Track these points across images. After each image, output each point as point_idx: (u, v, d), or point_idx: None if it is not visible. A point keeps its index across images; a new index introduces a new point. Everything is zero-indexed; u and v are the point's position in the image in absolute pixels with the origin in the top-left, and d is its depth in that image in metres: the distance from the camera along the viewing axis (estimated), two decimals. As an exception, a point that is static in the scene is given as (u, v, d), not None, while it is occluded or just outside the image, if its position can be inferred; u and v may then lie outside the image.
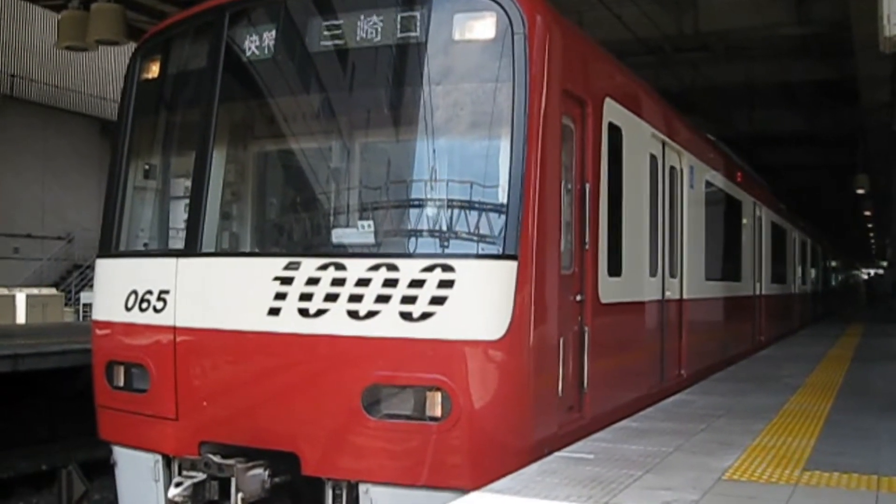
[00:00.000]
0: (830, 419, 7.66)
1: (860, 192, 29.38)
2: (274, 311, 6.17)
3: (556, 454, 6.08)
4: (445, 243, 6.17)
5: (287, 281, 6.19)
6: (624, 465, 5.66)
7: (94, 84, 31.72)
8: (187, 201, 6.92)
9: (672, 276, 9.89)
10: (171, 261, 6.71)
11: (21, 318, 22.73)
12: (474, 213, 6.17)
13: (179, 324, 6.54)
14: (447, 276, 5.84)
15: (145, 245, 7.43)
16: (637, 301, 8.52)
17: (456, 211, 6.19)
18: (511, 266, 5.89)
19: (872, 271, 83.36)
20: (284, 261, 6.28)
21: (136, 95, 7.44)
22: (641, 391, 8.57)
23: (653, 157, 9.13)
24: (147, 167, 7.49)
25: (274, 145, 7.37)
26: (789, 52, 21.71)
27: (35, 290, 24.63)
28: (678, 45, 19.85)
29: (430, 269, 5.88)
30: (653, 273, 9.09)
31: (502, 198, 6.03)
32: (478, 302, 5.86)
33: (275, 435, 6.18)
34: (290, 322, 6.12)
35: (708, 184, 11.85)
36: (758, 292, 16.45)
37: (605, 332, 7.36)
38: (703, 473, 5.46)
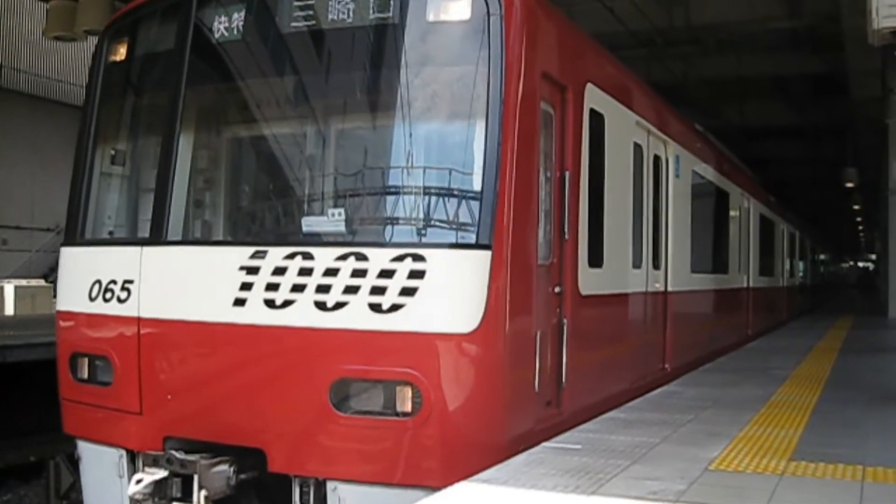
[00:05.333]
0: (817, 410, 7.61)
1: (849, 185, 29.49)
2: (239, 302, 5.93)
3: (544, 444, 5.96)
4: (417, 232, 5.93)
5: (253, 270, 5.95)
6: (611, 456, 5.60)
7: (83, 74, 31.52)
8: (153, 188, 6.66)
9: (656, 267, 9.63)
10: (136, 249, 6.45)
11: (10, 309, 22.62)
12: (447, 201, 5.92)
13: (143, 314, 6.29)
14: (418, 266, 5.60)
15: (110, 233, 7.16)
16: (619, 293, 8.26)
17: (429, 199, 5.94)
18: (485, 256, 5.65)
19: (862, 265, 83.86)
20: (250, 250, 6.04)
21: (103, 78, 7.15)
22: (623, 385, 8.32)
23: (637, 146, 8.86)
24: (114, 153, 7.19)
25: (242, 130, 7.08)
26: (780, 46, 21.76)
27: (24, 282, 24.51)
28: (669, 39, 19.85)
29: (400, 258, 5.64)
30: (636, 265, 8.83)
31: (476, 185, 5.78)
32: (450, 293, 5.62)
33: (241, 430, 5.94)
34: (255, 313, 5.88)
35: (694, 174, 11.58)
36: (746, 285, 16.17)
37: (584, 324, 7.12)
38: (690, 464, 5.41)
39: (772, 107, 26.76)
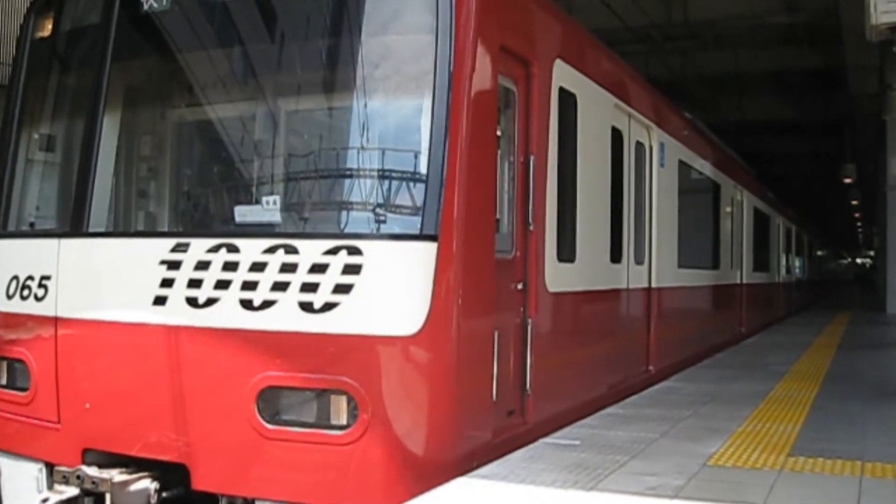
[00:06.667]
0: (816, 405, 7.53)
1: (847, 181, 29.50)
2: (160, 301, 5.24)
3: (542, 440, 5.81)
4: (353, 221, 5.24)
5: (174, 265, 5.25)
6: (609, 451, 5.51)
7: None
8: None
9: (638, 262, 8.85)
10: (54, 242, 5.75)
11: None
12: (390, 187, 5.21)
13: (61, 314, 5.59)
14: (353, 259, 4.89)
15: (32, 224, 6.45)
16: (594, 290, 7.45)
17: (368, 183, 5.24)
18: (430, 248, 4.92)
19: (860, 261, 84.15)
20: (171, 242, 5.34)
21: (29, 57, 6.42)
22: (599, 390, 7.53)
23: (616, 131, 8.03)
24: (38, 137, 6.50)
25: (173, 111, 6.29)
26: (778, 41, 21.76)
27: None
28: (667, 34, 19.92)
29: (333, 251, 4.93)
30: (615, 259, 8.03)
31: (422, 168, 5.05)
32: (389, 290, 4.89)
33: (163, 443, 5.24)
34: (177, 313, 5.18)
35: (682, 164, 10.72)
36: (739, 281, 15.39)
37: (552, 324, 6.42)
38: (689, 459, 5.35)
39: (770, 102, 26.61)
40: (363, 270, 4.89)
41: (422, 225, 4.98)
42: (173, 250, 5.31)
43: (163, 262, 5.31)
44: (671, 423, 6.59)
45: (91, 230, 5.68)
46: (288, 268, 5.00)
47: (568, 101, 6.72)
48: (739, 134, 24.14)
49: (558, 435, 6.06)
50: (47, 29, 6.39)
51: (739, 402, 7.71)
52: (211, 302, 5.13)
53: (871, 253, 65.33)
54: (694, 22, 19.41)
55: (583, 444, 5.77)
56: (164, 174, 6.32)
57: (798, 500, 4.60)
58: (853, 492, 4.73)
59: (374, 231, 5.10)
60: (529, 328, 6.01)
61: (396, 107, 5.44)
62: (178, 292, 5.23)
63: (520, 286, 6.00)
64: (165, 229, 6.08)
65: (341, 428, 4.89)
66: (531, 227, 6.04)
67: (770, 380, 9.24)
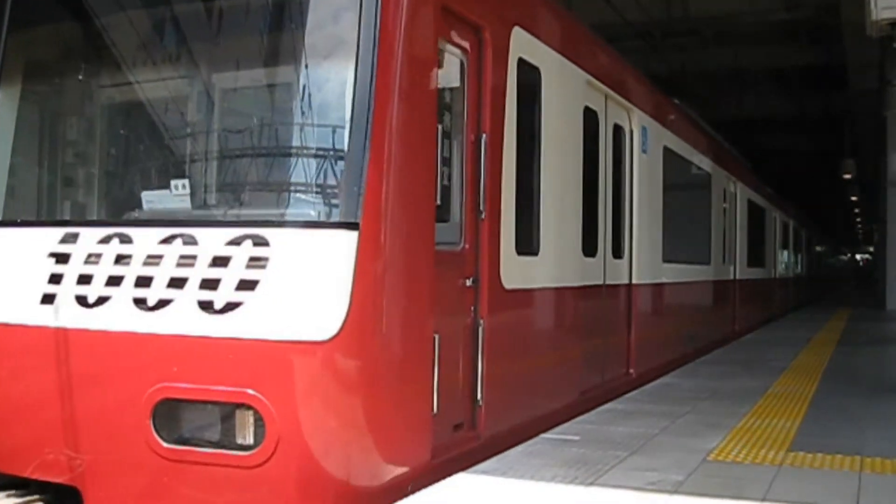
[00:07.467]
0: (815, 401, 7.43)
1: (847, 177, 29.47)
2: (48, 299, 4.56)
3: (542, 436, 5.64)
4: (260, 206, 4.52)
5: (63, 258, 4.59)
6: (609, 447, 5.42)
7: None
8: None
9: (617, 256, 8.05)
10: None
11: None
12: (305, 167, 4.50)
13: None
14: (259, 251, 4.19)
15: None
16: (561, 287, 6.67)
17: (281, 163, 4.59)
18: (349, 238, 4.18)
19: (859, 257, 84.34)
20: (60, 232, 4.67)
21: None
22: (569, 397, 6.76)
23: (589, 111, 7.21)
24: None
25: (74, 85, 5.56)
26: (778, 37, 21.58)
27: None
28: (667, 30, 19.83)
29: (237, 241, 4.24)
30: (589, 253, 7.22)
31: (342, 144, 4.33)
32: (300, 288, 4.16)
33: (58, 463, 4.55)
34: (65, 313, 4.52)
35: (667, 150, 9.81)
36: (732, 277, 14.55)
37: (509, 325, 5.67)
38: (688, 454, 5.27)
39: (770, 99, 26.44)
40: (270, 264, 4.17)
41: (341, 211, 4.25)
42: (62, 241, 4.64)
43: (51, 255, 4.65)
44: (671, 418, 6.55)
45: None
46: (186, 261, 4.31)
47: (529, 74, 5.94)
48: (739, 131, 24.05)
49: (558, 430, 6.00)
50: None
51: (739, 398, 7.61)
52: (102, 301, 4.45)
53: (871, 249, 65.35)
54: (694, 18, 19.31)
55: (582, 439, 5.70)
56: (71, 156, 5.66)
57: (798, 495, 4.49)
58: (853, 487, 4.64)
59: (285, 218, 4.40)
60: (481, 330, 5.26)
61: (316, 75, 4.64)
62: (68, 289, 4.54)
63: (469, 282, 5.25)
64: (64, 218, 5.35)
65: (248, 448, 4.18)
66: (483, 216, 5.28)
67: (769, 376, 9.15)
